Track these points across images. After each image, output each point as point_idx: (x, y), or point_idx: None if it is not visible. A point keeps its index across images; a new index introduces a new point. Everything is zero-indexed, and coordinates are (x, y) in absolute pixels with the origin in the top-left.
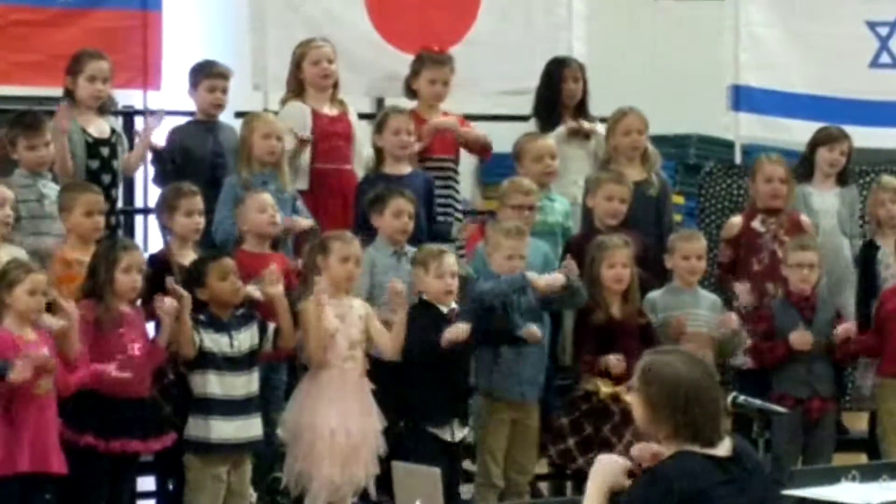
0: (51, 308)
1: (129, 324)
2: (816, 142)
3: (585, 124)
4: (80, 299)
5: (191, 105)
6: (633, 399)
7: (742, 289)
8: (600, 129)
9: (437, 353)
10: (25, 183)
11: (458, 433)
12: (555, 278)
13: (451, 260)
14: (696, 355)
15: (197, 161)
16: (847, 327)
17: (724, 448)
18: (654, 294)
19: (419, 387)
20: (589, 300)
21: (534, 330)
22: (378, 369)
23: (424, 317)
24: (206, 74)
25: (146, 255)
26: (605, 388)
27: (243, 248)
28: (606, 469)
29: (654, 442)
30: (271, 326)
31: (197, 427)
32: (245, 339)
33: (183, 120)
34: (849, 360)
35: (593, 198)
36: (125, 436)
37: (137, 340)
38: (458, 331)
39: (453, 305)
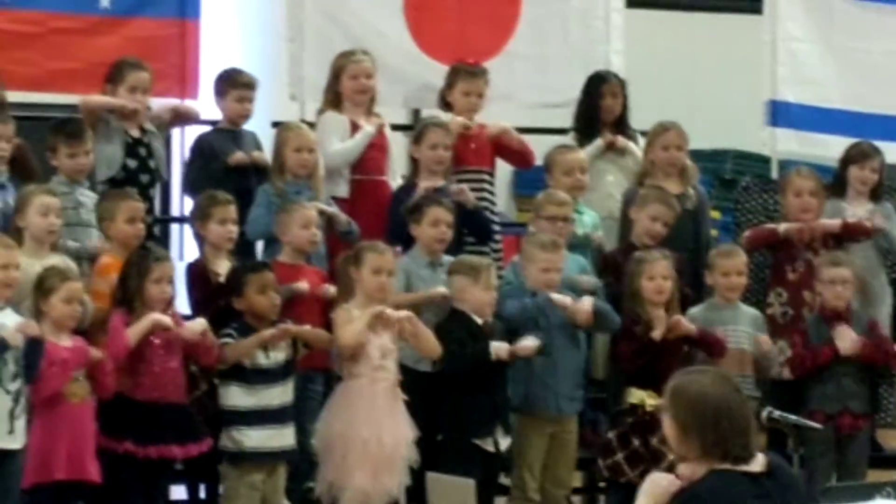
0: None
1: (159, 334)
2: (848, 160)
3: (620, 140)
4: (112, 308)
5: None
6: (664, 422)
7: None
8: (634, 147)
9: (484, 365)
10: (63, 190)
11: (503, 443)
12: (582, 303)
13: (494, 273)
14: (725, 373)
15: (222, 168)
16: None
17: (758, 464)
18: (695, 310)
19: (461, 397)
20: (630, 314)
21: (524, 345)
22: (414, 379)
23: (460, 329)
24: (234, 84)
25: (182, 263)
26: (650, 401)
27: (279, 259)
28: (656, 488)
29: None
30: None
31: (230, 437)
32: (279, 351)
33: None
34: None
35: (638, 212)
36: (161, 442)
37: (168, 350)
38: (529, 346)
39: (489, 317)
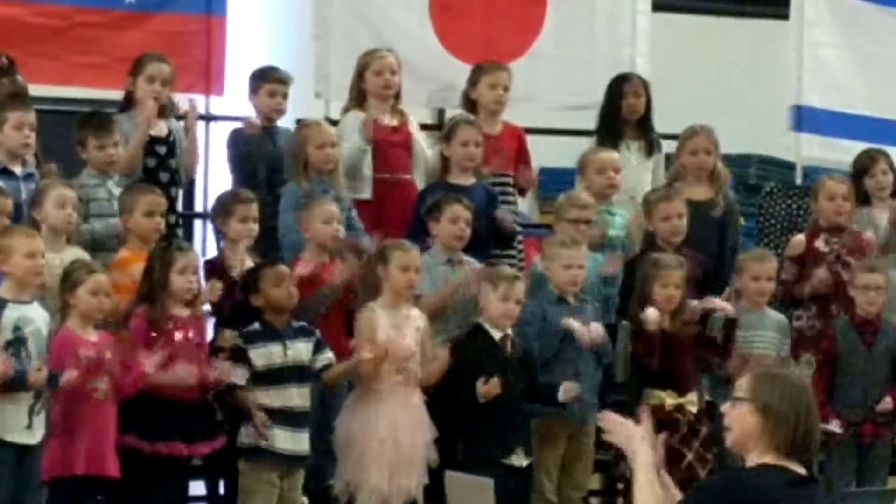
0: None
1: (183, 328)
2: (858, 172)
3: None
4: (136, 302)
5: (252, 111)
6: (737, 409)
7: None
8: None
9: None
10: (94, 182)
11: (524, 461)
12: (595, 330)
13: (521, 287)
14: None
15: (256, 165)
16: None
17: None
18: (722, 314)
19: (477, 421)
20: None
21: (569, 387)
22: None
23: (471, 348)
24: (267, 80)
25: (202, 260)
26: (670, 400)
27: (301, 256)
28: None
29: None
30: (328, 356)
31: (249, 434)
32: (300, 350)
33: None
34: None
35: (651, 222)
36: (175, 439)
37: (191, 344)
38: (491, 387)
39: (508, 331)
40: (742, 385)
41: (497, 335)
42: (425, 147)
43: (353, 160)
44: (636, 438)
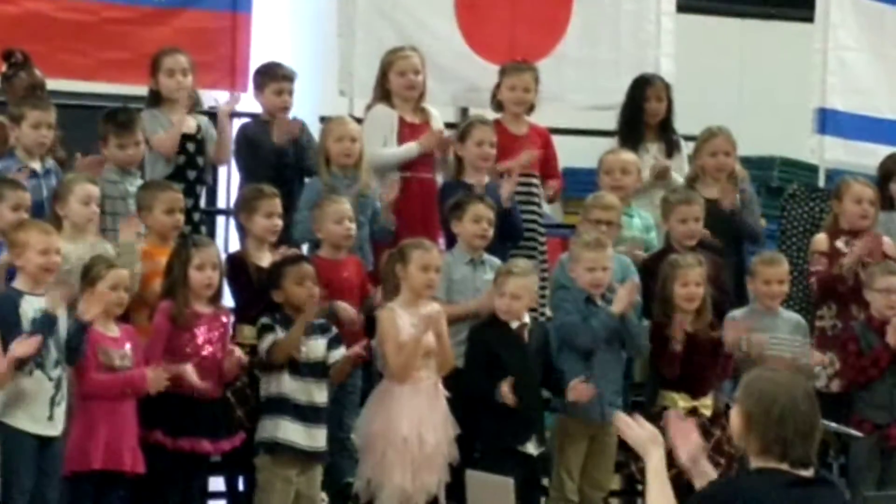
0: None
1: (204, 324)
2: (885, 175)
3: (667, 171)
4: (159, 299)
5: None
6: (732, 411)
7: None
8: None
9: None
10: (113, 179)
11: (536, 450)
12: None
13: (517, 281)
14: (800, 378)
15: (261, 158)
16: None
17: (807, 470)
18: (735, 313)
19: (495, 409)
20: (662, 317)
21: (580, 388)
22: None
23: (487, 335)
24: (272, 77)
25: (224, 256)
26: (682, 403)
27: (319, 254)
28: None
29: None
30: (341, 351)
31: (267, 428)
32: (317, 347)
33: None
34: None
35: (667, 222)
36: (195, 435)
37: (212, 342)
38: (508, 396)
39: (526, 320)
40: (739, 387)
41: (514, 324)
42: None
43: (396, 160)
44: (648, 441)
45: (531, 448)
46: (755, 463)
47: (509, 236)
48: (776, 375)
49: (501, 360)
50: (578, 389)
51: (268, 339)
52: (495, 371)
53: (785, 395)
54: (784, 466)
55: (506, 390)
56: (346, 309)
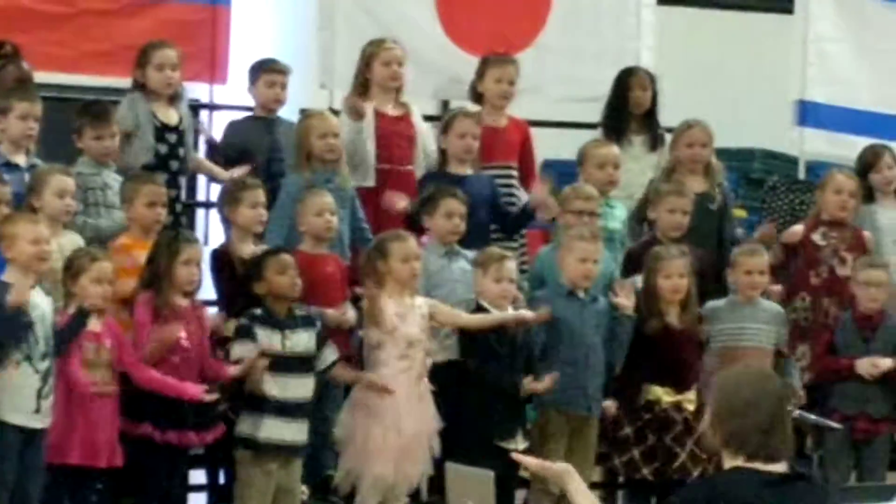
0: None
1: (183, 317)
2: (864, 167)
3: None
4: (138, 290)
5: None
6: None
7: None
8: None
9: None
10: (90, 171)
11: (521, 445)
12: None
13: (510, 265)
14: (770, 373)
15: (253, 157)
16: None
17: (781, 466)
18: (714, 304)
19: (479, 395)
20: (644, 309)
21: (533, 385)
22: (435, 370)
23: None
24: (266, 71)
25: (208, 249)
26: (666, 398)
27: (300, 248)
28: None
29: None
30: (333, 355)
31: (247, 424)
32: (300, 340)
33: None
34: None
35: (655, 210)
36: (179, 427)
37: (192, 335)
38: (541, 384)
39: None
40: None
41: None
42: (430, 139)
43: (351, 144)
44: (564, 472)
45: (519, 443)
46: (729, 463)
47: (505, 229)
48: (743, 371)
49: (491, 350)
50: (546, 382)
51: (239, 350)
52: (488, 359)
53: (749, 390)
54: (763, 465)
55: (549, 383)
56: (334, 316)
